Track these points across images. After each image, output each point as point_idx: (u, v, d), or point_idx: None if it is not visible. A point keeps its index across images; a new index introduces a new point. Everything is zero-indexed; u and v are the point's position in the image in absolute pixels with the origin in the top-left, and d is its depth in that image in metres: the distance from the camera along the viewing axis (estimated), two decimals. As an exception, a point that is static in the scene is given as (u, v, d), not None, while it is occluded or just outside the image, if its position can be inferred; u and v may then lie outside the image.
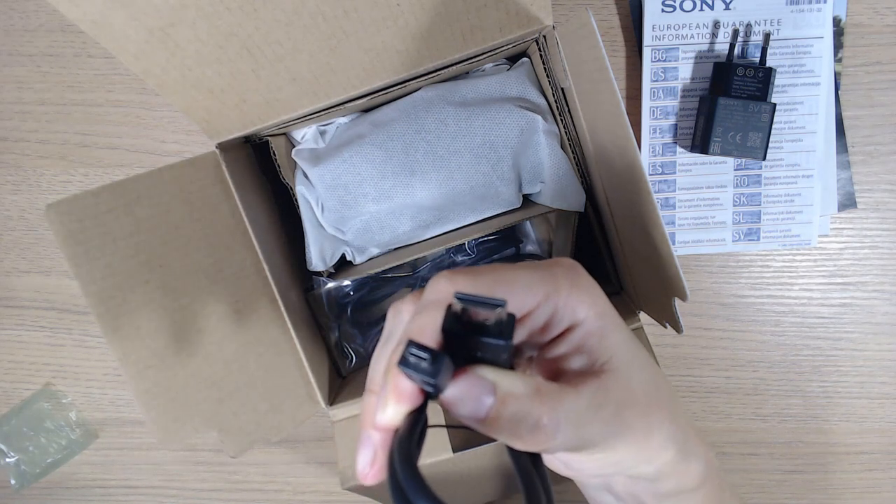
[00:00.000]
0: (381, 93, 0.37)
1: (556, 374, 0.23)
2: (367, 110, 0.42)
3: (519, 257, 0.48)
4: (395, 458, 0.17)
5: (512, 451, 0.20)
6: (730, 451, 0.51)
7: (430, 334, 0.19)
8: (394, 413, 0.19)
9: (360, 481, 0.21)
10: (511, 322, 0.19)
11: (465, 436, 0.38)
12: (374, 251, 0.43)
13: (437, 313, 0.19)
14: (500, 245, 0.47)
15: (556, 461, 0.25)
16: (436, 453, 0.37)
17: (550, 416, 0.19)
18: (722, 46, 0.44)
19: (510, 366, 0.20)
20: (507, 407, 0.18)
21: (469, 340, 0.18)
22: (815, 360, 0.49)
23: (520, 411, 0.19)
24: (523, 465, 0.19)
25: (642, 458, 0.24)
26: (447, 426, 0.19)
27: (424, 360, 0.17)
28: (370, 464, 0.20)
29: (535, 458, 0.20)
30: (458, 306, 0.18)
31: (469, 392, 0.18)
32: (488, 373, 0.19)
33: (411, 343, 0.17)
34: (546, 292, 0.21)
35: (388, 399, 0.19)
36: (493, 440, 0.36)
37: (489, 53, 0.36)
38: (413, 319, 0.20)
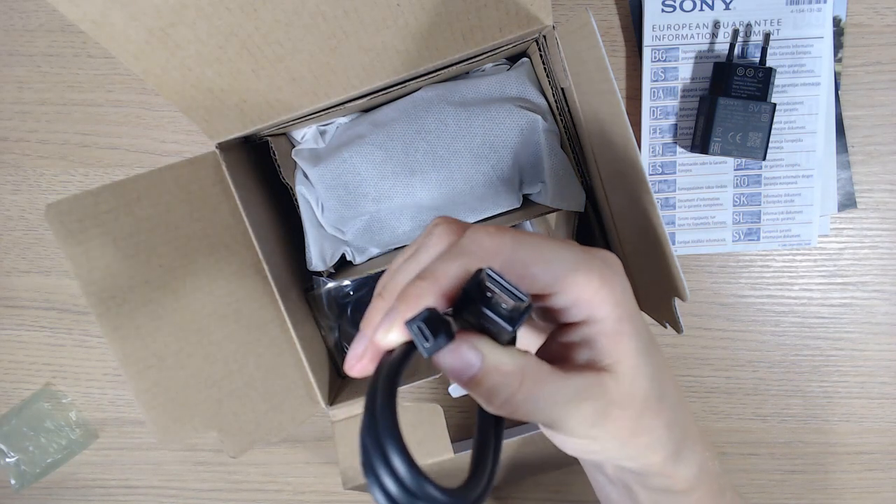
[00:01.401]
0: (381, 93, 0.37)
1: (562, 358, 0.23)
2: (367, 110, 0.42)
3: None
4: (379, 384, 0.18)
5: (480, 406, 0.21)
6: (730, 451, 0.51)
7: (450, 285, 0.20)
8: (395, 339, 0.20)
9: (345, 371, 0.22)
10: (526, 313, 0.19)
11: (467, 436, 0.38)
12: (374, 251, 0.43)
13: (464, 266, 0.20)
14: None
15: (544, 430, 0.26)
16: (437, 454, 0.37)
17: (525, 396, 0.20)
18: (722, 46, 0.44)
19: (510, 342, 0.21)
20: (488, 377, 0.20)
21: (481, 310, 0.19)
22: (815, 360, 0.49)
23: (498, 384, 0.20)
24: (485, 421, 0.21)
25: (625, 454, 0.24)
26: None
27: (427, 339, 0.18)
28: (358, 358, 0.21)
29: (499, 419, 0.21)
30: (485, 278, 0.19)
31: (460, 355, 0.20)
32: (482, 345, 0.20)
33: (424, 317, 0.18)
34: (576, 281, 0.22)
35: (393, 325, 0.20)
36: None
37: (489, 53, 0.36)
38: (443, 260, 0.21)
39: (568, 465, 0.50)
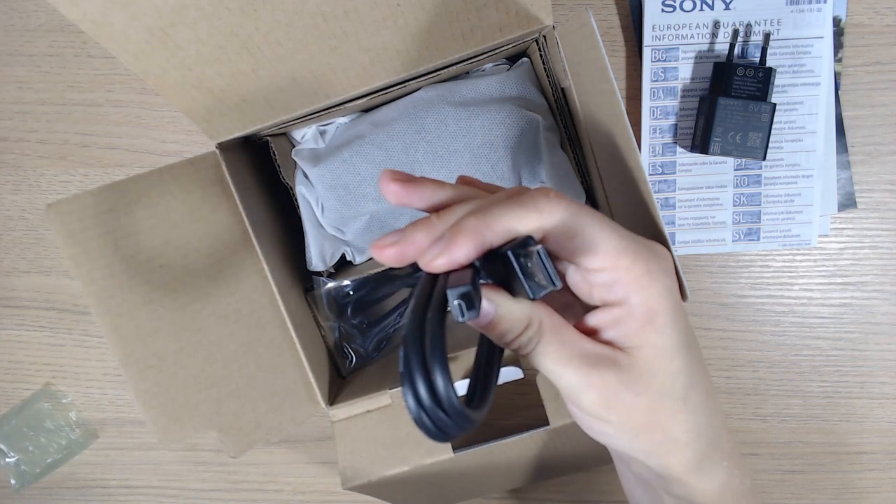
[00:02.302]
0: (381, 93, 0.37)
1: (588, 335, 0.24)
2: (367, 110, 0.42)
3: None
4: (432, 305, 0.20)
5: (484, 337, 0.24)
6: (730, 451, 0.51)
7: (496, 235, 0.21)
8: (440, 266, 0.21)
9: (371, 248, 0.23)
10: (549, 292, 0.21)
11: (465, 438, 0.38)
12: (374, 251, 0.43)
13: (517, 218, 0.21)
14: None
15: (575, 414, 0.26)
16: (436, 454, 0.37)
17: (530, 337, 0.23)
18: (722, 46, 0.44)
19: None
20: (500, 324, 0.22)
21: (513, 269, 0.21)
22: (815, 360, 0.49)
23: (507, 329, 0.22)
24: (490, 350, 0.23)
25: (639, 448, 0.24)
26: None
27: (462, 314, 0.20)
28: (393, 244, 0.22)
29: (501, 351, 0.24)
30: (533, 247, 0.21)
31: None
32: (497, 297, 0.22)
33: (462, 293, 0.20)
34: (619, 263, 0.23)
35: (441, 256, 0.21)
36: (491, 440, 0.37)
37: (489, 53, 0.36)
38: (500, 205, 0.22)
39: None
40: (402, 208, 0.41)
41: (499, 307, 0.22)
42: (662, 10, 0.44)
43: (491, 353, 0.23)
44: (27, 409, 0.52)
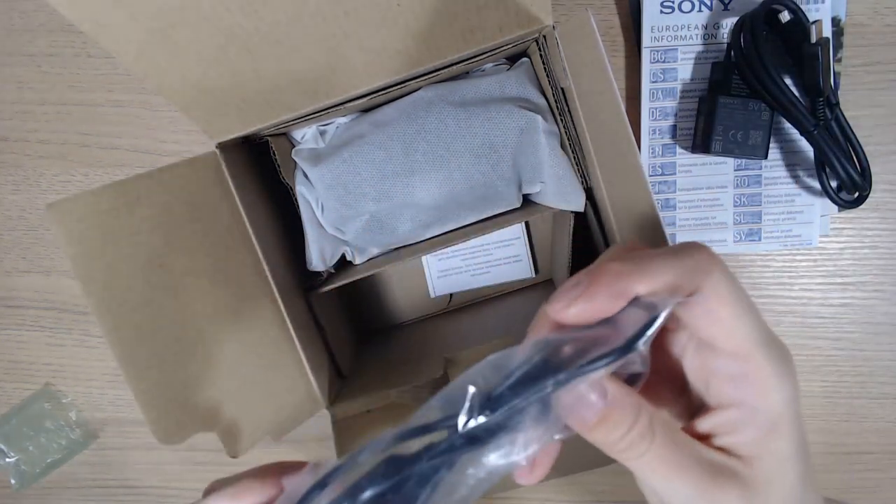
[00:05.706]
0: (381, 93, 0.37)
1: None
2: (367, 110, 0.42)
3: (519, 257, 0.48)
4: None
5: None
6: (730, 451, 0.51)
7: (648, 288, 0.19)
8: (572, 316, 0.19)
9: (551, 311, 0.20)
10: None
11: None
12: (374, 251, 0.43)
13: (677, 277, 0.19)
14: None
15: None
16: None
17: (642, 433, 0.19)
18: (721, 47, 0.44)
19: None
20: (611, 415, 0.19)
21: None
22: (815, 360, 0.49)
23: (618, 423, 0.19)
24: None
25: None
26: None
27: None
28: (575, 301, 0.19)
29: None
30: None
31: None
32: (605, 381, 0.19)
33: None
34: (754, 356, 0.20)
35: (578, 301, 0.19)
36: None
37: (489, 53, 0.36)
38: (661, 262, 0.19)
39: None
40: (401, 209, 0.41)
41: (609, 390, 0.19)
42: (661, 12, 0.44)
43: None
44: (27, 409, 0.52)
